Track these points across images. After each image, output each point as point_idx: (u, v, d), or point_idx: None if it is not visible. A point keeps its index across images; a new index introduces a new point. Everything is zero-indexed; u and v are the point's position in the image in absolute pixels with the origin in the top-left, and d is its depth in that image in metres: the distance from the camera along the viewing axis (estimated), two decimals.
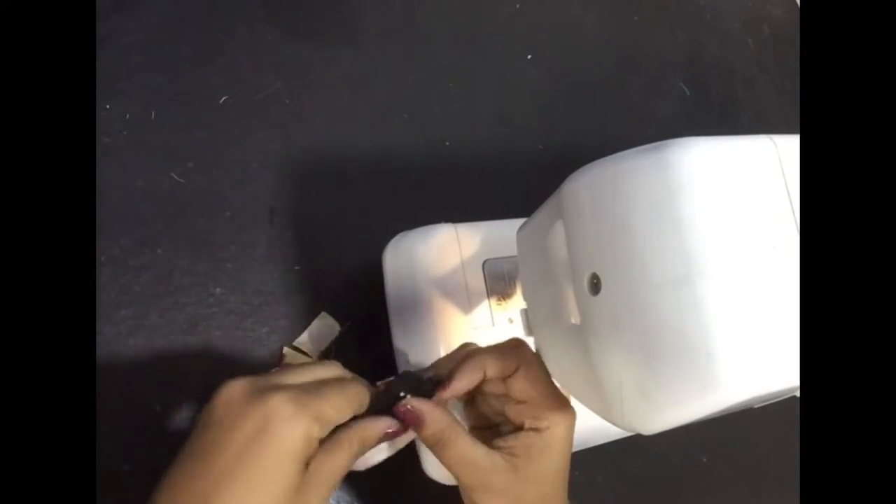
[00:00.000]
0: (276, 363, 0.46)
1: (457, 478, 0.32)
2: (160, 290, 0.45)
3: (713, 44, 0.72)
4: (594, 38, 0.67)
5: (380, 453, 0.33)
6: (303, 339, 0.47)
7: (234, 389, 0.28)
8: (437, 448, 0.31)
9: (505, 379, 0.33)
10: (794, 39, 0.77)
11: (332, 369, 0.32)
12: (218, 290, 0.46)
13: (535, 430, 0.32)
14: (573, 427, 0.33)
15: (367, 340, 0.46)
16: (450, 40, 0.60)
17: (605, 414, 0.28)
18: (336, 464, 0.29)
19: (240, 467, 0.26)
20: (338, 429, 0.30)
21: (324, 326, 0.47)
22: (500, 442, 0.32)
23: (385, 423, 0.31)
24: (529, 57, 0.63)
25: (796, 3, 0.79)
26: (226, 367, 0.45)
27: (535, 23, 0.64)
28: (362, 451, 0.30)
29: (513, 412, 0.33)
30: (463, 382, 0.32)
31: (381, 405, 0.31)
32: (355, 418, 0.30)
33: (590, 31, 0.67)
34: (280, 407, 0.27)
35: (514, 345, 0.34)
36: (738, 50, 0.74)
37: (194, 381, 0.44)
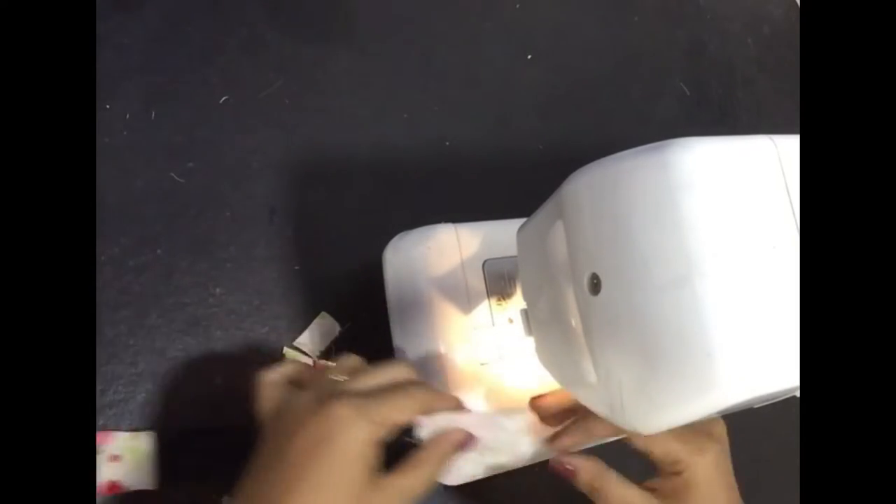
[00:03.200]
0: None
1: None
2: (160, 290, 0.45)
3: (713, 44, 0.72)
4: (594, 38, 0.67)
5: (476, 467, 0.35)
6: (303, 339, 0.47)
7: (299, 402, 0.30)
8: (592, 495, 0.33)
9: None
10: (794, 39, 0.77)
11: (398, 372, 0.34)
12: (218, 290, 0.46)
13: (675, 473, 0.33)
14: (718, 458, 0.34)
15: (367, 340, 0.46)
16: (450, 40, 0.60)
17: (606, 414, 0.28)
18: (408, 484, 0.30)
19: (305, 473, 0.28)
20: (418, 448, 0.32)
21: (324, 326, 0.47)
22: (649, 483, 0.34)
23: (457, 436, 0.33)
24: (529, 57, 0.63)
25: (796, 3, 0.79)
26: (226, 366, 0.45)
27: (535, 23, 0.64)
28: (441, 466, 0.32)
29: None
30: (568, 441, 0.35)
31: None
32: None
33: (590, 31, 0.67)
34: (342, 413, 0.28)
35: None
36: (738, 50, 0.74)
37: (194, 381, 0.44)
